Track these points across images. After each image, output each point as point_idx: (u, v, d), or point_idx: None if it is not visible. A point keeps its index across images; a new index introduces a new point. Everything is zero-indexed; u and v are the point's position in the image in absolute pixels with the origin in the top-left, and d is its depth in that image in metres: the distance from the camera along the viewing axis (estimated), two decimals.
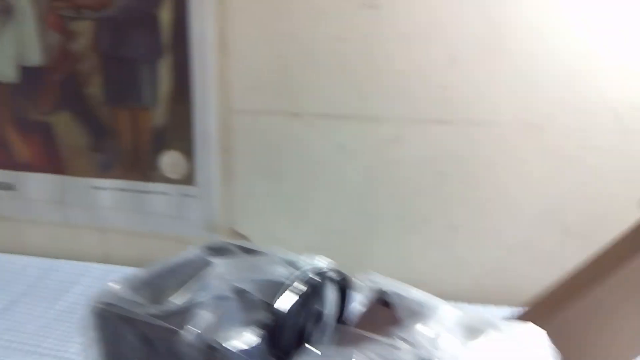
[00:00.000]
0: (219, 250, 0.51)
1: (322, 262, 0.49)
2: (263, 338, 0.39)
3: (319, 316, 0.48)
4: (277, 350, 0.41)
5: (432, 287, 0.84)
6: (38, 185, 0.97)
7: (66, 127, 0.93)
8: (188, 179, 0.90)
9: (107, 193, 0.94)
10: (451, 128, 0.80)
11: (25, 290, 0.89)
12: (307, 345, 0.36)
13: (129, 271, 0.90)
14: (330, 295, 0.48)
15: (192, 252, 0.51)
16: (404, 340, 0.35)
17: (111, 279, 0.45)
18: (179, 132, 0.88)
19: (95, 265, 0.94)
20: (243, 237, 0.92)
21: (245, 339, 0.38)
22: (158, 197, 0.92)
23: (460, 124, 0.80)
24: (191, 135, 0.88)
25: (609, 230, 0.72)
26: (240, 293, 0.42)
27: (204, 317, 0.39)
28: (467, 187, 0.83)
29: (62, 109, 0.92)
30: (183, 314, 0.40)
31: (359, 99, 0.82)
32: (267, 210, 0.91)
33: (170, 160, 0.90)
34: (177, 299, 0.42)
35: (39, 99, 0.93)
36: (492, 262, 0.85)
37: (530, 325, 0.38)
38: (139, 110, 0.89)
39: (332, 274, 0.46)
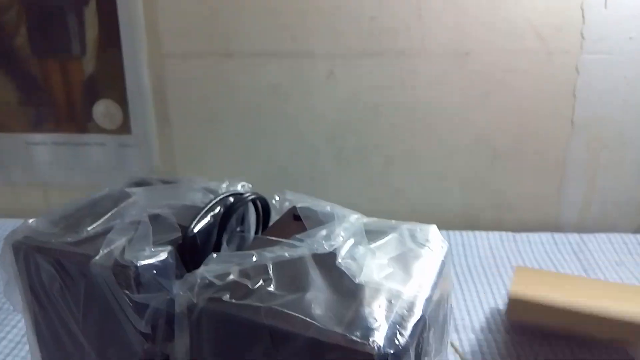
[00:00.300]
0: (140, 184, 0.51)
1: (242, 187, 0.50)
2: (172, 255, 0.40)
3: (237, 237, 0.49)
4: (190, 268, 0.42)
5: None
6: None
7: None
8: (124, 128, 0.89)
9: (44, 148, 0.93)
10: (381, 60, 0.81)
11: None
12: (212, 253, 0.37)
13: None
14: (248, 215, 0.49)
15: (114, 187, 0.52)
16: (303, 240, 0.37)
17: None
18: (110, 80, 0.87)
19: None
20: None
21: (154, 255, 0.38)
22: (95, 148, 0.91)
23: (389, 55, 0.81)
24: (123, 82, 0.86)
25: (536, 151, 0.75)
26: (155, 218, 0.43)
27: (115, 240, 0.39)
28: (400, 119, 0.84)
29: None
30: (97, 241, 0.40)
31: (290, 37, 0.81)
32: (206, 157, 0.91)
33: (104, 110, 0.89)
34: (92, 227, 0.42)
35: None
36: (426, 191, 0.88)
37: (429, 226, 0.40)
38: (68, 61, 0.87)
39: (248, 196, 0.47)
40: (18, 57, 0.88)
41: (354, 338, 0.30)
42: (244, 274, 0.35)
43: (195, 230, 0.43)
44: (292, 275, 0.35)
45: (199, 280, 0.35)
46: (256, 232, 0.49)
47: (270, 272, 0.35)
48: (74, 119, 0.90)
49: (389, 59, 0.81)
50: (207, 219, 0.44)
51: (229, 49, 0.83)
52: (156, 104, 0.87)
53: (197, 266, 0.43)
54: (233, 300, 0.33)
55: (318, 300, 0.33)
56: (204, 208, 0.44)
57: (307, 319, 0.31)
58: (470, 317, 0.69)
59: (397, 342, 0.30)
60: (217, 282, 0.35)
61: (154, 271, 0.39)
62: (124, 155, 0.91)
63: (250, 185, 0.50)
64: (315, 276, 0.34)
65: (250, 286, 0.34)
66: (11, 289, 0.45)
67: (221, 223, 0.44)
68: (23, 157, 0.94)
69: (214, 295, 0.34)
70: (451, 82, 0.81)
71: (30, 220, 0.45)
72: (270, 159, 0.89)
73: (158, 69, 0.85)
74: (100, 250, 0.39)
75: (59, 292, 0.41)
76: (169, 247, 0.40)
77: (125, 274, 0.37)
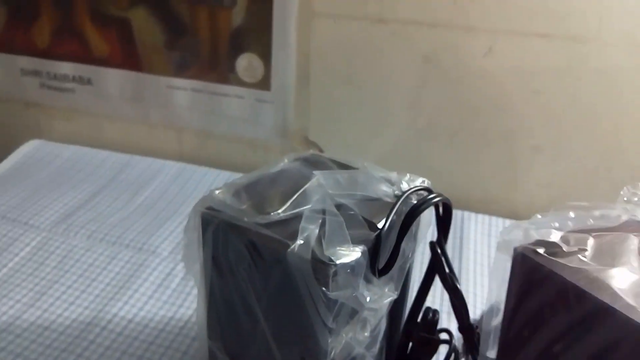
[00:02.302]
0: (315, 164, 0.50)
1: (423, 184, 0.48)
2: (364, 254, 0.39)
3: (412, 234, 0.48)
4: (376, 268, 0.41)
5: (503, 206, 0.84)
6: (115, 81, 0.98)
7: (144, 23, 0.92)
8: (263, 84, 0.89)
9: (183, 93, 0.94)
10: (547, 43, 0.75)
11: (105, 183, 0.92)
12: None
13: (203, 171, 0.93)
14: (428, 217, 0.47)
15: (287, 162, 0.51)
16: None
17: (214, 186, 0.46)
18: (257, 34, 0.86)
19: (170, 162, 0.96)
20: (315, 145, 0.92)
21: (349, 253, 0.38)
22: (233, 100, 0.92)
23: (557, 39, 0.75)
24: (270, 38, 0.85)
25: None
26: (343, 208, 0.42)
27: (308, 229, 0.39)
28: (557, 108, 0.79)
29: (139, 4, 0.91)
30: (289, 225, 0.40)
31: (451, 6, 0.77)
32: (341, 119, 0.89)
33: (246, 64, 0.88)
34: (281, 210, 0.42)
35: None
36: (571, 185, 0.83)
37: None
38: (218, 9, 0.87)
39: (434, 197, 0.45)
40: (170, 0, 0.88)
41: None
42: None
43: (387, 229, 0.42)
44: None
45: None
46: (437, 239, 0.47)
47: None
48: (216, 68, 0.90)
49: (556, 43, 0.75)
50: (396, 218, 0.43)
51: (382, 14, 0.80)
52: (299, 63, 0.86)
53: (385, 271, 0.42)
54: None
55: None
56: (393, 206, 0.43)
57: None
58: None
59: None
60: None
61: (349, 270, 0.38)
62: (260, 110, 0.91)
63: (429, 182, 0.48)
64: None
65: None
66: (190, 252, 0.46)
67: (405, 223, 0.43)
68: (163, 99, 0.96)
69: None
70: (625, 77, 0.74)
71: (217, 191, 0.45)
72: (407, 129, 0.86)
73: (306, 28, 0.83)
74: (297, 240, 0.39)
75: (246, 271, 0.41)
76: (363, 247, 0.39)
77: (324, 271, 0.37)
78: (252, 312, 0.43)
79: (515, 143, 0.82)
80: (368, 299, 0.42)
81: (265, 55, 0.87)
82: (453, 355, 0.51)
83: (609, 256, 0.37)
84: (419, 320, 0.47)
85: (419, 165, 0.87)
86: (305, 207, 0.42)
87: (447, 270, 0.46)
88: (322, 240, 0.39)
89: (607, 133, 0.78)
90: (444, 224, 0.49)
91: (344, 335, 0.43)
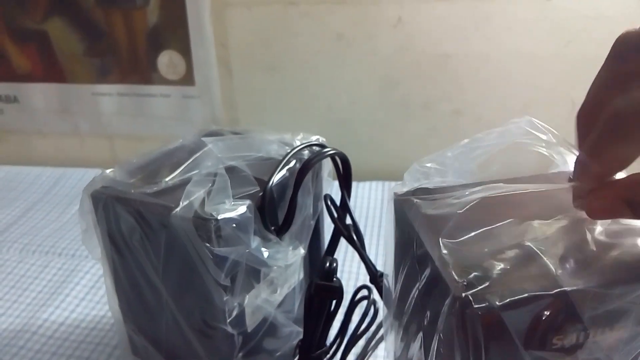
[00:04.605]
0: (212, 135, 0.50)
1: (317, 140, 0.49)
2: (250, 209, 0.39)
3: (314, 193, 0.48)
4: (267, 223, 0.42)
5: None
6: (40, 95, 0.97)
7: (61, 34, 0.91)
8: (187, 80, 0.89)
9: (109, 99, 0.94)
10: (453, 5, 0.77)
11: (39, 198, 0.91)
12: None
13: None
14: (322, 173, 0.48)
15: (187, 138, 0.51)
16: None
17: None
18: (174, 30, 0.86)
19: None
20: None
21: (232, 209, 0.38)
22: (159, 99, 0.91)
23: (462, 0, 0.76)
24: (186, 33, 0.85)
25: None
26: (231, 170, 0.42)
27: (194, 192, 0.39)
28: (471, 69, 0.80)
29: (54, 15, 0.90)
30: (176, 192, 0.40)
31: None
32: (268, 106, 0.90)
33: (167, 61, 0.88)
34: (169, 178, 0.42)
35: (30, 5, 0.90)
36: None
37: None
38: (131, 10, 0.87)
39: (327, 151, 0.45)
40: (83, 7, 0.88)
41: None
42: None
43: (273, 184, 0.42)
44: None
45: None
46: (342, 197, 0.48)
47: None
48: (139, 70, 0.90)
49: (462, 3, 0.76)
50: (284, 172, 0.43)
51: None
52: (219, 55, 0.86)
53: (274, 221, 0.42)
54: None
55: None
56: (281, 161, 0.43)
57: None
58: None
59: None
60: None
61: (234, 225, 0.38)
62: (187, 107, 0.91)
63: (324, 140, 0.49)
64: None
65: None
66: (89, 236, 0.46)
67: (298, 178, 0.44)
68: (89, 107, 0.95)
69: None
70: (529, 30, 0.76)
71: (108, 170, 0.45)
72: (331, 108, 0.87)
73: (221, 19, 0.84)
74: (180, 202, 0.39)
75: (139, 242, 0.41)
76: (248, 202, 0.39)
77: (206, 226, 0.37)
78: (154, 285, 0.43)
79: (436, 110, 0.84)
80: (267, 256, 0.42)
81: (185, 51, 0.87)
82: (372, 307, 0.52)
83: (489, 210, 0.34)
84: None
85: (347, 142, 0.87)
86: (194, 173, 0.42)
87: (348, 223, 0.46)
88: (207, 200, 0.39)
89: (522, 88, 0.80)
90: (345, 179, 0.49)
91: (253, 297, 0.43)
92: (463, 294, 0.28)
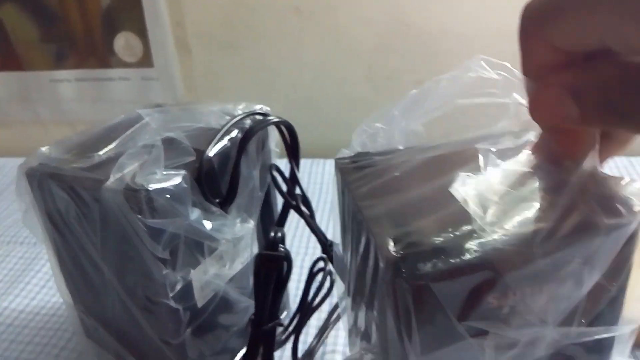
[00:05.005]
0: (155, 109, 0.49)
1: (260, 109, 0.47)
2: (185, 179, 0.38)
3: (261, 164, 0.47)
4: (207, 194, 0.41)
5: None
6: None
7: (15, 20, 0.89)
8: (145, 61, 0.87)
9: (67, 85, 0.92)
10: None
11: (2, 189, 0.89)
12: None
13: None
14: (269, 142, 0.47)
15: (128, 113, 0.50)
16: None
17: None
18: (128, 11, 0.84)
19: None
20: None
21: (165, 179, 0.37)
22: (118, 83, 0.90)
23: None
24: (141, 12, 0.83)
25: None
26: (169, 142, 0.41)
27: (127, 164, 0.38)
28: (434, 39, 0.79)
29: (7, 1, 0.88)
30: (108, 164, 0.39)
31: None
32: (230, 85, 0.88)
33: (124, 43, 0.86)
34: (103, 152, 0.41)
35: None
36: None
37: None
38: None
39: (270, 119, 0.44)
40: None
41: None
42: None
43: (211, 154, 0.41)
44: None
45: None
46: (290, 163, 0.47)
47: None
48: (96, 54, 0.88)
49: None
50: (224, 142, 0.42)
51: None
52: (176, 35, 0.85)
53: (215, 192, 0.41)
54: None
55: None
56: (220, 130, 0.42)
57: None
58: None
59: None
60: None
61: (168, 195, 0.37)
62: (148, 89, 0.89)
63: (269, 109, 0.48)
64: None
65: None
66: (29, 217, 0.45)
67: (240, 147, 0.42)
68: (49, 95, 0.93)
69: None
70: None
71: (44, 148, 0.44)
72: (294, 85, 0.86)
73: None
74: (112, 175, 0.37)
75: (75, 219, 0.40)
76: (183, 172, 0.38)
77: (137, 197, 0.36)
78: (95, 264, 0.42)
79: (400, 81, 0.83)
80: (210, 228, 0.41)
81: (142, 32, 0.85)
82: (328, 278, 0.51)
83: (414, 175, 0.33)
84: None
85: (313, 119, 0.86)
86: (130, 146, 0.41)
87: (296, 193, 0.45)
88: (140, 172, 0.38)
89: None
90: (292, 149, 0.48)
91: (201, 271, 0.43)
92: (394, 263, 0.27)
